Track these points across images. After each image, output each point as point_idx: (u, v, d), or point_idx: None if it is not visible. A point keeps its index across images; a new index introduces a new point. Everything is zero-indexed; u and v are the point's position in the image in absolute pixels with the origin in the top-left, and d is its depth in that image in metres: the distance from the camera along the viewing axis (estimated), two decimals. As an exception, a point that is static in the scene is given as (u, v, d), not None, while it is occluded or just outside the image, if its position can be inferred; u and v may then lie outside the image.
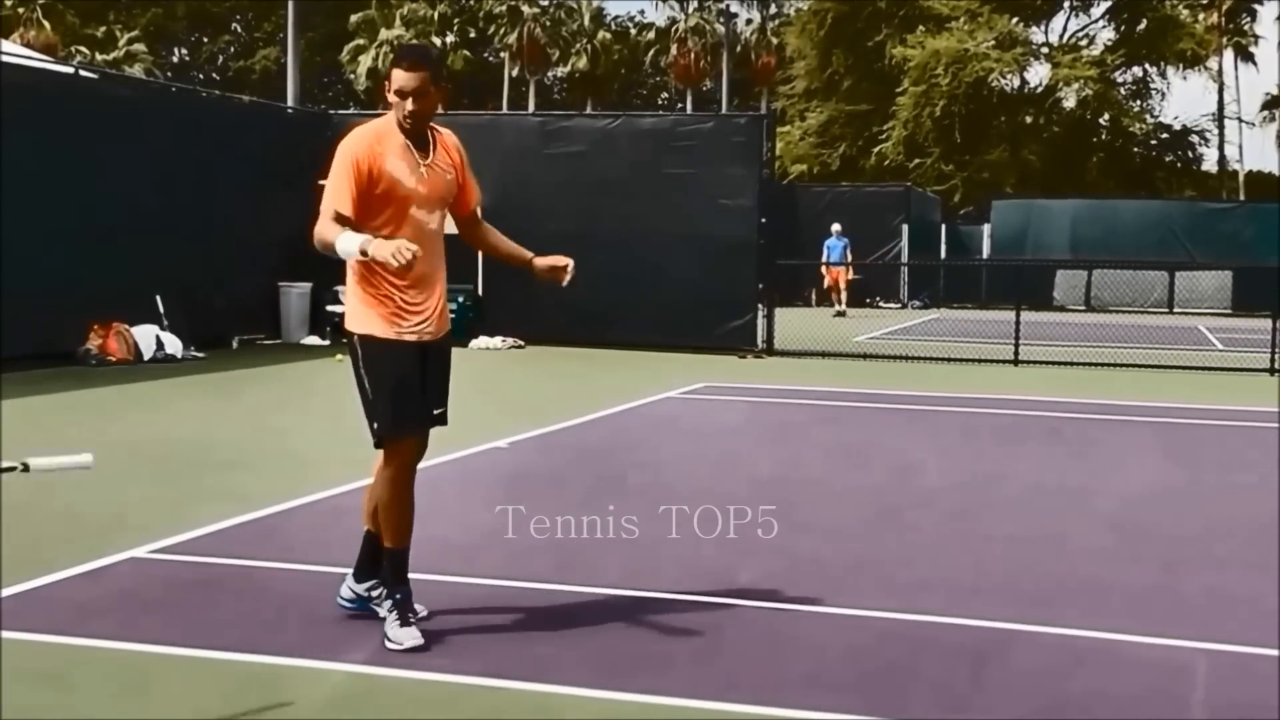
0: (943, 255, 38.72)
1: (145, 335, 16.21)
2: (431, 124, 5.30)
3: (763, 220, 18.93)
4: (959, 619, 5.62)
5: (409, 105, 5.12)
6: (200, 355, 16.73)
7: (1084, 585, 6.31)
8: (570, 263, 5.53)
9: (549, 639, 5.31)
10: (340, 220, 5.03)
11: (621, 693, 4.69)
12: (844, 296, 30.76)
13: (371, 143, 5.13)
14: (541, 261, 5.56)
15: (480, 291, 19.62)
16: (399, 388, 5.17)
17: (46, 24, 54.84)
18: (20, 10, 54.73)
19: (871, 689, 4.76)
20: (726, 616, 5.63)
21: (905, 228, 35.87)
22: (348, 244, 4.91)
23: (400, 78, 5.12)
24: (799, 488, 8.85)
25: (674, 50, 70.87)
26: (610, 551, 6.81)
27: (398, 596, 5.22)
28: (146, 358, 16.01)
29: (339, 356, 17.15)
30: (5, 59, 16.05)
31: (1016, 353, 18.05)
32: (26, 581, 5.96)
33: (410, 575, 5.33)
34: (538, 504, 7.83)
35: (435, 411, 5.35)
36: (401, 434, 5.19)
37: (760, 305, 19.09)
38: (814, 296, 32.50)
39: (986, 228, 38.89)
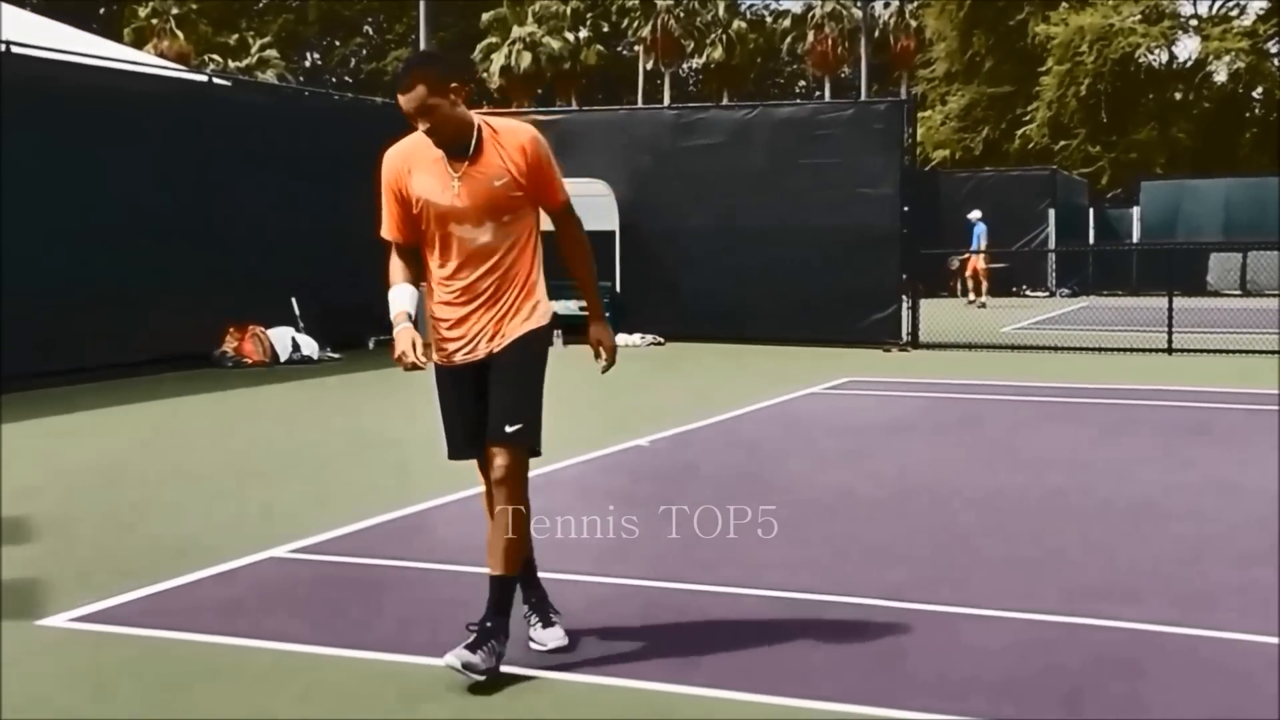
0: (1091, 240, 37.82)
1: (281, 337, 16.42)
2: (488, 121, 4.85)
3: (905, 209, 18.60)
4: (1122, 622, 5.37)
5: (421, 127, 4.71)
6: (336, 356, 16.90)
7: (1244, 587, 5.99)
8: (609, 350, 5.13)
9: (689, 640, 5.17)
10: (396, 249, 4.98)
11: (770, 696, 4.56)
12: (984, 286, 30.14)
13: (399, 164, 4.85)
14: (593, 331, 5.14)
15: (618, 289, 19.57)
16: (446, 415, 5.00)
17: (180, 34, 56.01)
18: (154, 21, 55.98)
19: (1034, 693, 4.54)
20: (872, 617, 5.43)
21: (1051, 212, 35.04)
22: (391, 307, 4.93)
23: (400, 103, 4.69)
24: (949, 486, 8.58)
25: (810, 37, 70.32)
26: (753, 551, 6.64)
27: (534, 600, 5.14)
28: (283, 359, 16.21)
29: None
30: (146, 70, 16.39)
31: (1170, 341, 17.50)
32: (167, 580, 6.04)
33: (548, 575, 5.28)
34: (679, 503, 7.69)
35: (506, 429, 4.77)
36: (454, 458, 5.02)
37: (904, 296, 18.76)
38: (959, 287, 31.90)
39: (1136, 210, 37.92)
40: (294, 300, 16.93)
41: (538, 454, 4.89)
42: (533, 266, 4.93)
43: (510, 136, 4.83)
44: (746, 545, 6.81)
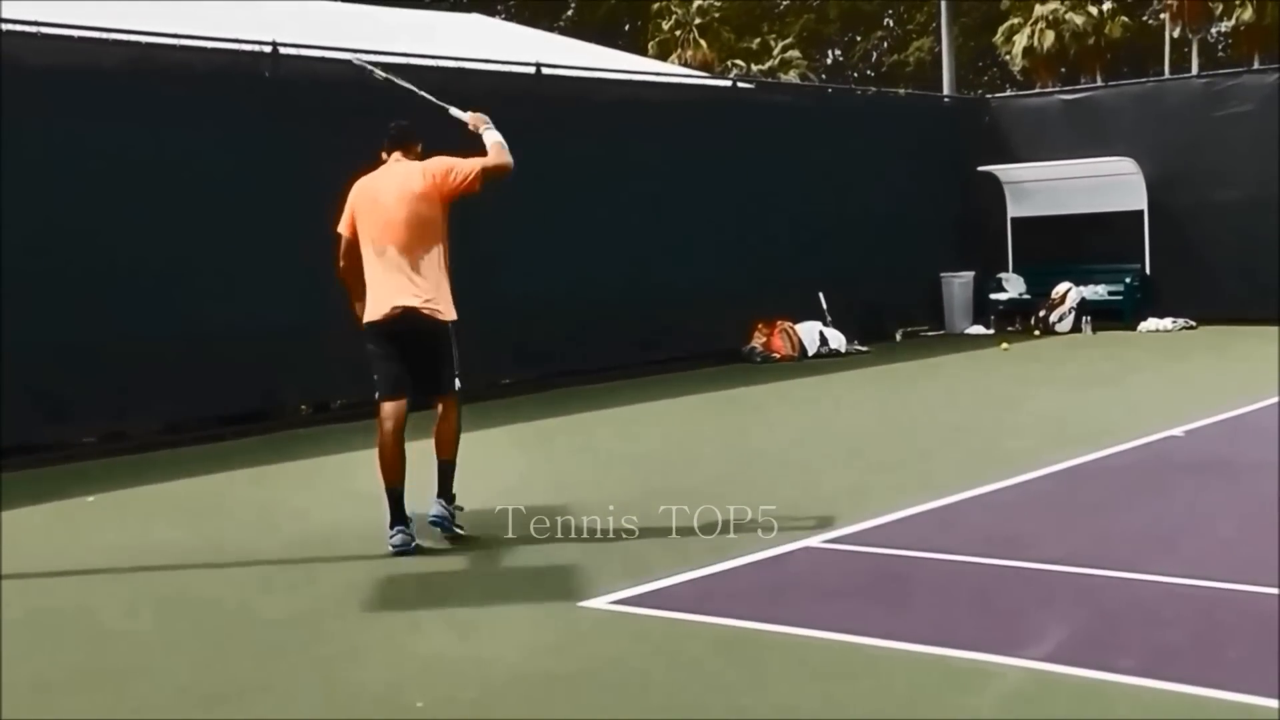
0: None
1: (809, 332, 16.82)
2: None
3: None
4: None
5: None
6: (863, 349, 17.11)
7: None
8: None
9: (1238, 645, 4.95)
10: None
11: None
12: None
13: None
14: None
15: (1148, 270, 18.88)
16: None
17: (703, 43, 58.05)
18: (677, 33, 58.36)
19: None
20: None
21: None
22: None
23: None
24: None
25: (1357, -15, 64.55)
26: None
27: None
28: (810, 354, 16.60)
29: (1004, 345, 17.08)
30: (669, 80, 17.21)
31: None
32: (706, 566, 6.32)
33: (1085, 570, 5.34)
34: (1223, 497, 7.44)
35: None
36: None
37: None
38: None
39: None
40: (821, 295, 17.33)
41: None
42: None
43: None
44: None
